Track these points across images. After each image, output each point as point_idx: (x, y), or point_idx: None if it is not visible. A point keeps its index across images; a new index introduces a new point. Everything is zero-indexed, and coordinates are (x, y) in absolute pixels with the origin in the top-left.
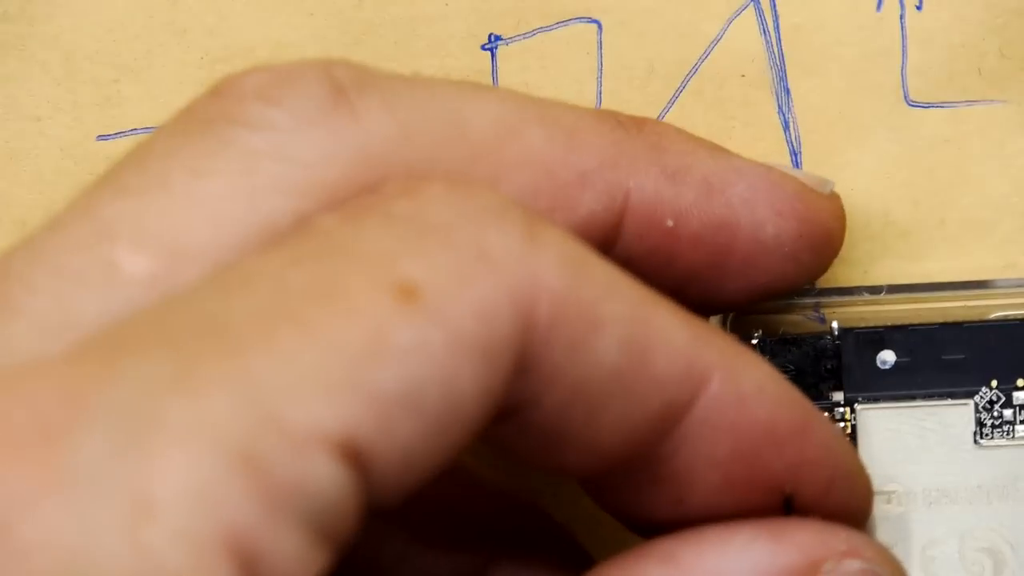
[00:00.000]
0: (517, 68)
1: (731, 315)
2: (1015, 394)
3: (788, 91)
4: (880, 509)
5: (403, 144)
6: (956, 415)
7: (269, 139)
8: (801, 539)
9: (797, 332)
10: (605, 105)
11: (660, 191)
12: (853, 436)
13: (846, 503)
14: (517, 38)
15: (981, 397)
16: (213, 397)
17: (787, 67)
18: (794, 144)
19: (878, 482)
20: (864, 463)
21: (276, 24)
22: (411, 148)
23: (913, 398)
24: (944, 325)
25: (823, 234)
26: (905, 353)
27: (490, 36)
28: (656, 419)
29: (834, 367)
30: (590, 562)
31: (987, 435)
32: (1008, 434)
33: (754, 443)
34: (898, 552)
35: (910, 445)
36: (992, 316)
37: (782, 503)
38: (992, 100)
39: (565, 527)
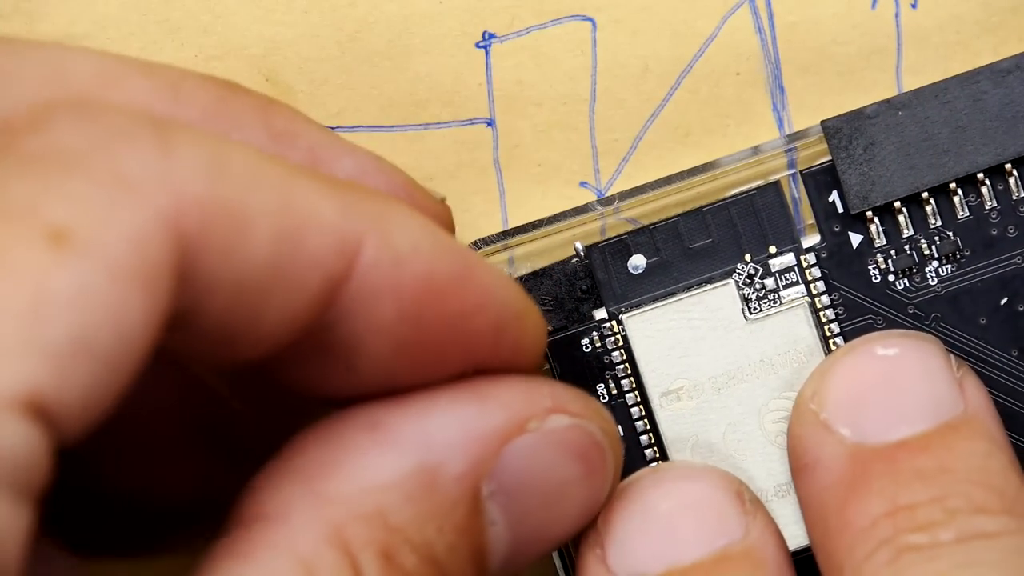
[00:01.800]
0: (511, 66)
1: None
2: (771, 262)
3: (783, 89)
4: (673, 408)
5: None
6: (720, 298)
7: None
8: (505, 398)
9: (544, 264)
10: (600, 104)
11: (264, 149)
12: (627, 346)
13: (519, 341)
14: (511, 36)
15: (739, 274)
16: None
17: (782, 65)
18: None
19: (664, 383)
20: (542, 328)
21: (270, 22)
22: (9, 90)
23: (674, 294)
24: (684, 215)
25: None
26: (653, 253)
27: (484, 34)
28: (317, 297)
29: (589, 286)
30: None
31: (755, 309)
32: (775, 302)
33: (415, 300)
34: (701, 444)
35: (684, 339)
36: (729, 194)
37: (471, 362)
38: None
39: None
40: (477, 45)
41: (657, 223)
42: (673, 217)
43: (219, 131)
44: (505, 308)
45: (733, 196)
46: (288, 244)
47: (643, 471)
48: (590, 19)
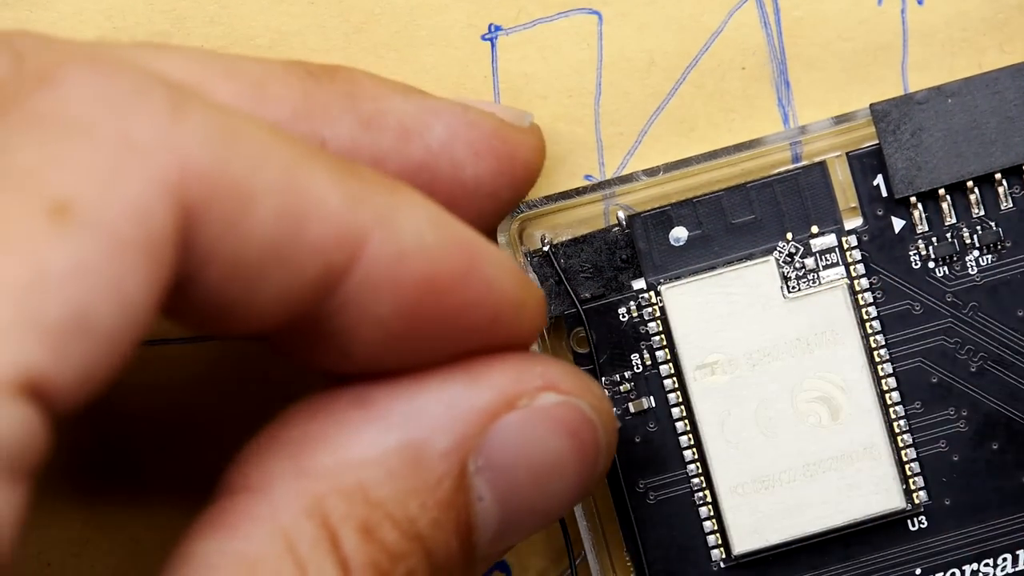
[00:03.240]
0: (517, 58)
1: (517, 220)
2: (812, 242)
3: (788, 84)
4: (707, 381)
5: None
6: (760, 274)
7: None
8: (496, 378)
9: (585, 232)
10: (605, 97)
11: (356, 139)
12: (664, 318)
13: (515, 329)
14: (517, 28)
15: (780, 252)
16: None
17: (788, 60)
18: None
19: (699, 356)
20: (538, 293)
21: (276, 12)
22: None
23: (714, 268)
24: (728, 191)
25: (522, 169)
26: (695, 226)
27: (490, 26)
28: (315, 284)
29: (629, 256)
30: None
31: (794, 287)
32: (814, 281)
33: (415, 297)
34: (733, 419)
35: (722, 313)
36: (774, 172)
37: (465, 348)
38: None
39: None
40: (483, 37)
41: (701, 196)
42: (717, 191)
43: (310, 130)
44: (504, 300)
45: (778, 174)
46: (290, 227)
47: None
48: (596, 12)
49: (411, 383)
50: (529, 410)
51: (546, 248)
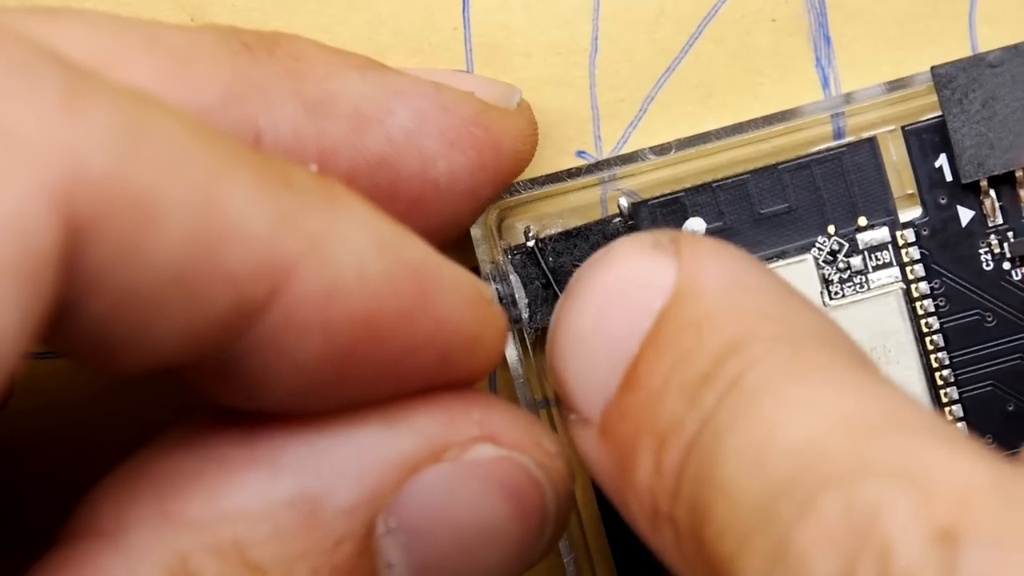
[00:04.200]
0: (493, 5)
1: (496, 209)
2: (859, 237)
3: (829, 40)
4: None
5: None
6: (795, 277)
7: None
8: (420, 422)
9: (579, 223)
10: (603, 56)
11: (300, 128)
12: None
13: (465, 370)
14: None
15: (820, 249)
16: None
17: (828, 10)
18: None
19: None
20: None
21: None
22: None
23: None
24: (756, 173)
25: (507, 162)
26: (716, 217)
27: None
28: (224, 323)
29: None
30: None
31: (837, 293)
32: (862, 286)
33: (348, 341)
34: None
35: None
36: (813, 150)
37: (403, 390)
38: None
39: None
40: None
41: (722, 180)
42: (742, 174)
43: (242, 117)
44: (456, 340)
45: (817, 153)
46: (199, 253)
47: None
48: None
49: (314, 423)
50: (458, 464)
51: (531, 243)
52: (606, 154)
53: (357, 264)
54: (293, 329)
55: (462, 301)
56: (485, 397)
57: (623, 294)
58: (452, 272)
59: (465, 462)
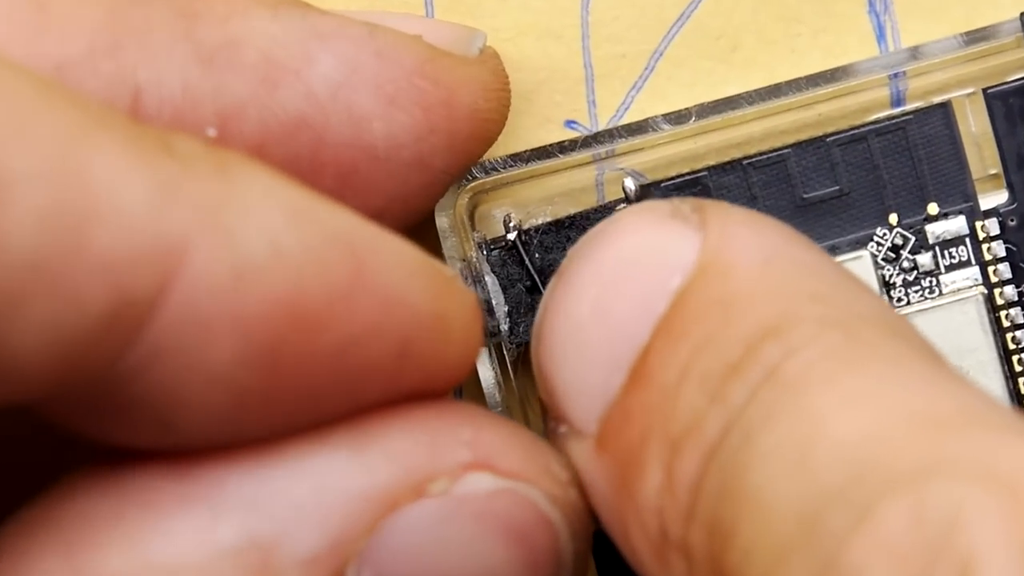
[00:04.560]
0: None
1: (467, 193)
2: (929, 228)
3: None
4: None
5: None
6: None
7: None
8: (396, 446)
9: (572, 211)
10: (598, 1)
11: (192, 85)
12: None
13: (434, 363)
14: None
15: (879, 243)
16: None
17: None
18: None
19: None
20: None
21: None
22: None
23: None
24: (797, 148)
25: (465, 124)
26: (747, 201)
27: None
28: (102, 326)
29: None
30: None
31: (901, 298)
32: (932, 290)
33: (269, 334)
34: None
35: None
36: (871, 118)
37: (358, 401)
38: None
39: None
40: None
41: (753, 157)
42: (780, 149)
43: (116, 73)
44: (413, 322)
45: (875, 123)
46: (60, 235)
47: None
48: None
49: (262, 450)
50: (447, 500)
51: (512, 236)
52: (602, 124)
53: (267, 239)
54: (196, 327)
55: (410, 274)
56: (475, 411)
57: (631, 273)
58: (393, 243)
59: (455, 497)
